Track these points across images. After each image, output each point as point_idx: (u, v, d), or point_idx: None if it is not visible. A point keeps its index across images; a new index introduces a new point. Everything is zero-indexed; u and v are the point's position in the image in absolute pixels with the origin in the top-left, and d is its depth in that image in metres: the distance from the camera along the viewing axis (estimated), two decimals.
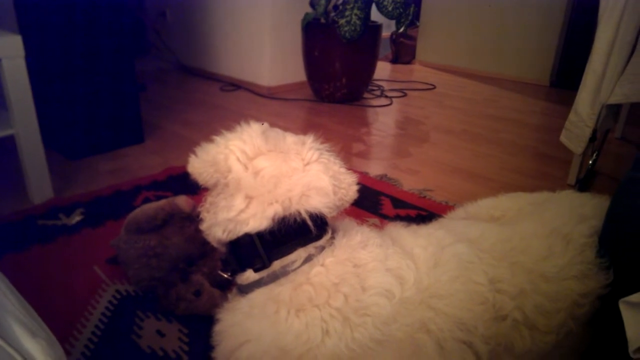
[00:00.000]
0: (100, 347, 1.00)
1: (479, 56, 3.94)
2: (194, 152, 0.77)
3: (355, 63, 2.91)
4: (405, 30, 2.81)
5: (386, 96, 3.18)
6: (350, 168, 0.81)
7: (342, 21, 2.64)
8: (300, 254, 0.71)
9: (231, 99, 3.00)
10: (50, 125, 1.88)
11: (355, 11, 2.63)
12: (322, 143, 0.80)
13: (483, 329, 0.72)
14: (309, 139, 0.79)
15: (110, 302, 1.13)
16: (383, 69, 4.06)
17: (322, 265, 0.71)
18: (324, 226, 0.74)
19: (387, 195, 1.71)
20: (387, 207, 1.62)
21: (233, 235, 0.72)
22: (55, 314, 1.07)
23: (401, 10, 2.69)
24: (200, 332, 1.04)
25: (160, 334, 1.04)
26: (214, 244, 0.77)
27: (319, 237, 0.73)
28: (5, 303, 0.56)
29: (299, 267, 0.71)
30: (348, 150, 2.18)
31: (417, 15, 4.21)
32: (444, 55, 4.18)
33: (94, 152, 2.00)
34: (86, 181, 1.76)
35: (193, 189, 0.81)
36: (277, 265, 0.71)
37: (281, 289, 0.70)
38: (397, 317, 0.68)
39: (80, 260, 1.27)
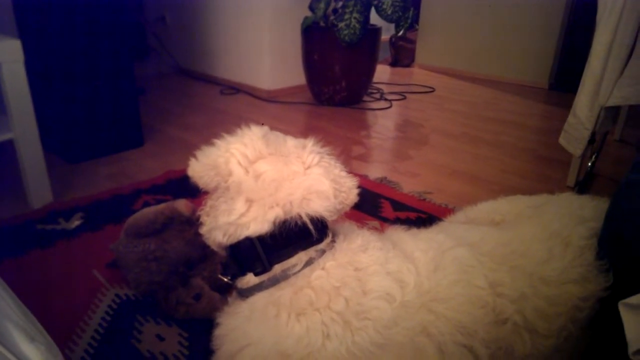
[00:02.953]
0: (99, 352, 1.00)
1: (478, 59, 3.94)
2: (195, 156, 0.76)
3: (355, 66, 2.91)
4: (404, 33, 2.82)
5: (386, 99, 3.18)
6: (350, 171, 0.81)
7: (341, 24, 2.65)
8: (301, 257, 0.71)
9: (231, 103, 3.00)
10: (49, 129, 1.88)
11: (355, 14, 2.63)
12: (322, 146, 0.80)
13: (483, 333, 0.72)
14: (310, 143, 0.79)
15: (109, 306, 1.13)
16: (382, 72, 4.07)
17: (323, 268, 0.71)
18: (325, 230, 0.74)
19: (387, 198, 1.71)
20: (387, 210, 1.62)
21: (234, 239, 0.72)
22: (54, 318, 1.07)
23: (400, 13, 2.70)
24: (200, 336, 1.04)
25: (160, 338, 1.04)
26: (214, 247, 0.77)
27: (319, 240, 0.73)
28: (4, 308, 0.56)
29: (299, 270, 0.71)
30: (348, 154, 2.18)
31: (416, 19, 4.22)
32: (443, 59, 4.19)
33: (93, 155, 2.00)
34: (86, 185, 1.76)
35: (193, 192, 0.81)
36: (277, 268, 0.71)
37: (282, 293, 0.70)
38: (398, 321, 0.68)
39: (80, 265, 1.27)
